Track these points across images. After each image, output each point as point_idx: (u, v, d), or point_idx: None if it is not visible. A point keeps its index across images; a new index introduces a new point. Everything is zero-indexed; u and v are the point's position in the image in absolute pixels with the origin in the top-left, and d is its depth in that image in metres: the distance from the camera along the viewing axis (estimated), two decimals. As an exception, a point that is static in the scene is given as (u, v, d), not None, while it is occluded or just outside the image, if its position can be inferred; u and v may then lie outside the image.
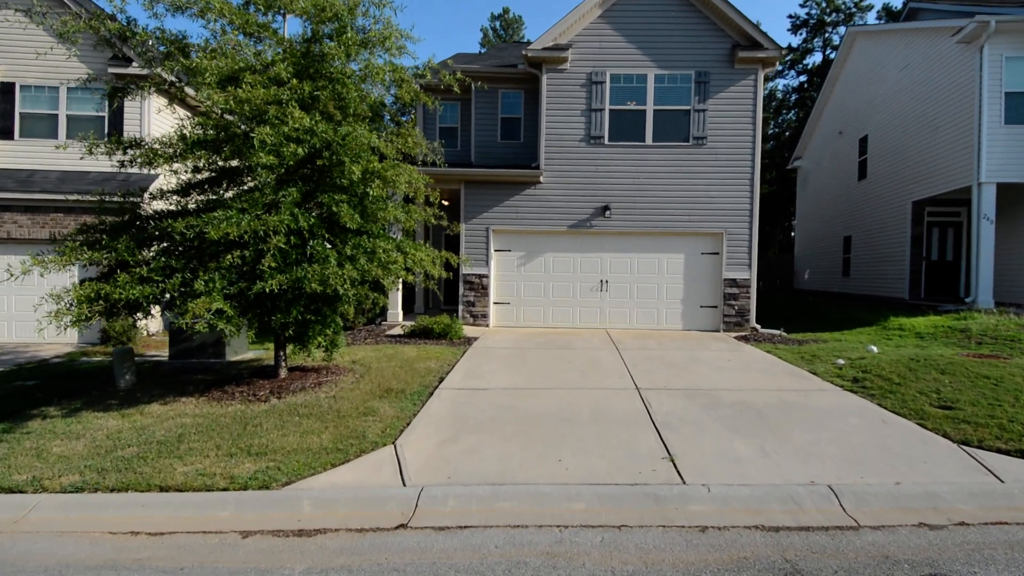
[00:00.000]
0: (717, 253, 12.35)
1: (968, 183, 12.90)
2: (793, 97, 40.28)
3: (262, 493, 4.39)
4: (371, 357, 8.83)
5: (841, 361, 8.53)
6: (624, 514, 4.02)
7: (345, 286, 5.97)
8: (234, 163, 7.02)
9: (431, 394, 6.87)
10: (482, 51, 31.40)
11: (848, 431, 5.56)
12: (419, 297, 15.02)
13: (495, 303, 12.64)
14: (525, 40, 38.62)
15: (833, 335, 11.64)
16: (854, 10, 37.98)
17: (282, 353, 7.45)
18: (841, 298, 19.48)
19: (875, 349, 9.37)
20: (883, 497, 4.23)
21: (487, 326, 12.45)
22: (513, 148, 13.75)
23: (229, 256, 5.83)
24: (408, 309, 15.07)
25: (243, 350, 9.98)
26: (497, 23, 46.06)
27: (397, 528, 3.92)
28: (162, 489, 4.49)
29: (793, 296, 23.09)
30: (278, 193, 6.44)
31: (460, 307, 12.50)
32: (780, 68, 38.35)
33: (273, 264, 5.91)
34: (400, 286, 12.48)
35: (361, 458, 4.94)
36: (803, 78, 40.08)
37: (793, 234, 35.33)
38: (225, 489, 4.46)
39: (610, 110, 12.26)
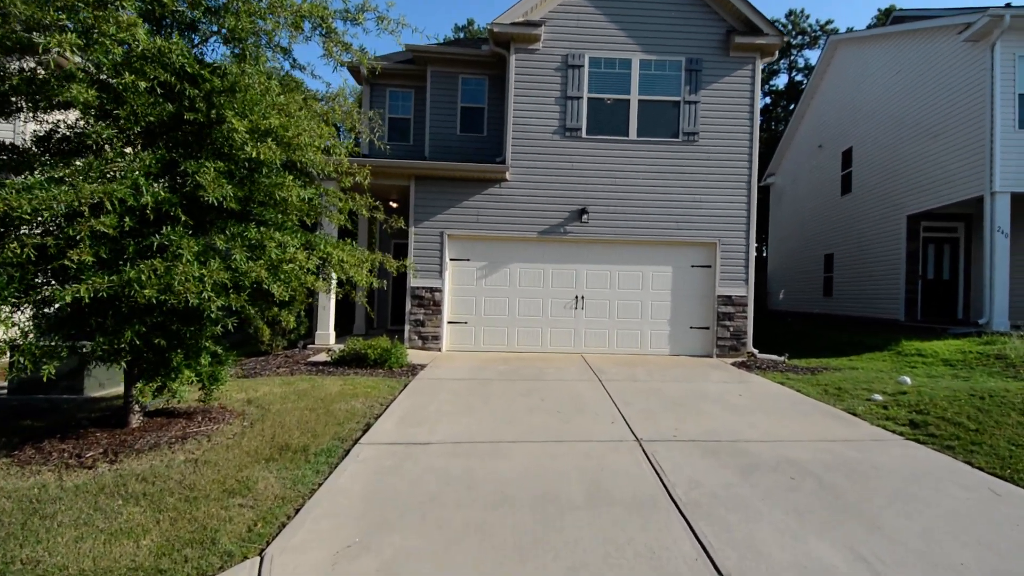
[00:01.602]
0: (709, 266, 10.66)
1: (975, 193, 11.71)
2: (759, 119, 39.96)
3: None
4: (275, 395, 6.63)
5: (878, 396, 6.83)
6: None
7: (204, 295, 3.84)
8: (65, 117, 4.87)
9: (346, 453, 4.76)
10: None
11: (959, 512, 3.73)
12: (359, 315, 12.81)
13: (449, 322, 10.58)
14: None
15: (842, 362, 10.04)
16: (819, 32, 38.13)
17: (134, 391, 5.21)
18: (824, 319, 18.21)
19: (908, 380, 7.72)
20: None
21: (439, 350, 10.37)
22: (475, 142, 11.85)
23: (14, 245, 3.66)
24: (346, 330, 12.85)
25: (114, 382, 7.61)
26: (462, 35, 44.65)
27: None
28: None
29: (771, 318, 21.78)
30: (125, 158, 4.34)
31: (407, 327, 10.39)
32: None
33: (90, 258, 3.77)
34: (332, 302, 10.31)
35: (194, 590, 2.82)
36: (768, 100, 39.93)
37: (765, 254, 34.60)
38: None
39: (589, 99, 10.53)
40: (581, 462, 4.56)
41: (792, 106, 36.94)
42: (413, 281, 10.32)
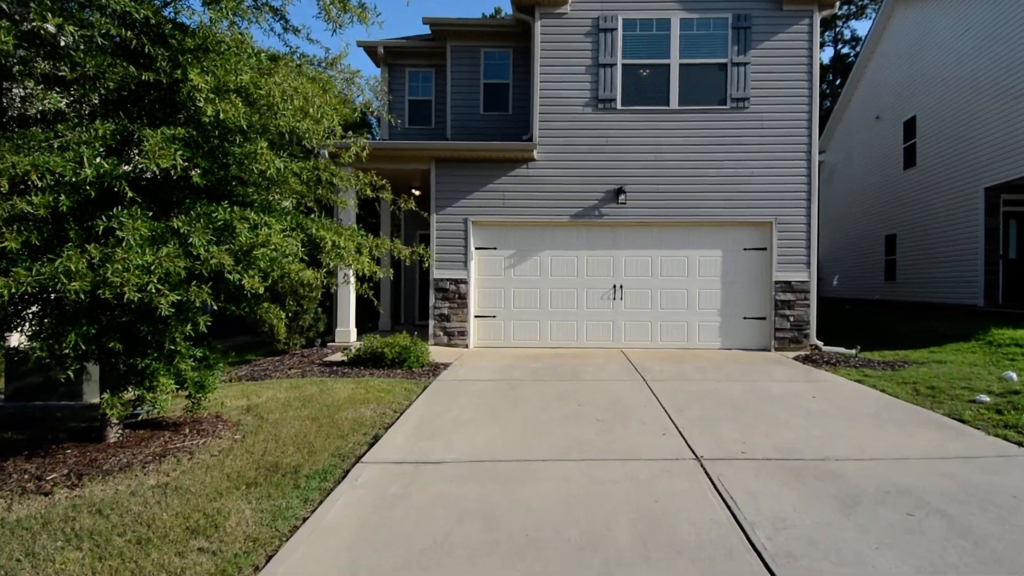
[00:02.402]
0: (765, 248, 9.51)
1: (1071, 159, 10.21)
2: (803, 94, 37.74)
3: None
4: (278, 401, 5.91)
5: (985, 397, 5.68)
6: None
7: (152, 288, 3.08)
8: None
9: (344, 475, 3.97)
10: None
11: None
12: (384, 310, 12.12)
13: (476, 316, 9.75)
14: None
15: (922, 354, 8.78)
16: (866, 1, 35.67)
17: (102, 403, 4.54)
18: (887, 306, 16.70)
19: (1015, 377, 6.52)
20: None
21: (466, 347, 9.55)
22: (500, 121, 10.96)
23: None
24: (371, 326, 12.18)
25: (115, 387, 7.05)
26: (488, 21, 43.67)
27: None
28: None
29: (825, 305, 20.17)
30: (75, 130, 3.63)
31: (431, 322, 9.60)
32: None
33: (15, 245, 3.06)
34: (352, 296, 9.58)
35: None
36: (813, 74, 37.66)
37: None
38: None
39: (623, 65, 9.48)
40: (629, 490, 3.64)
41: (839, 81, 34.70)
42: (436, 272, 9.53)
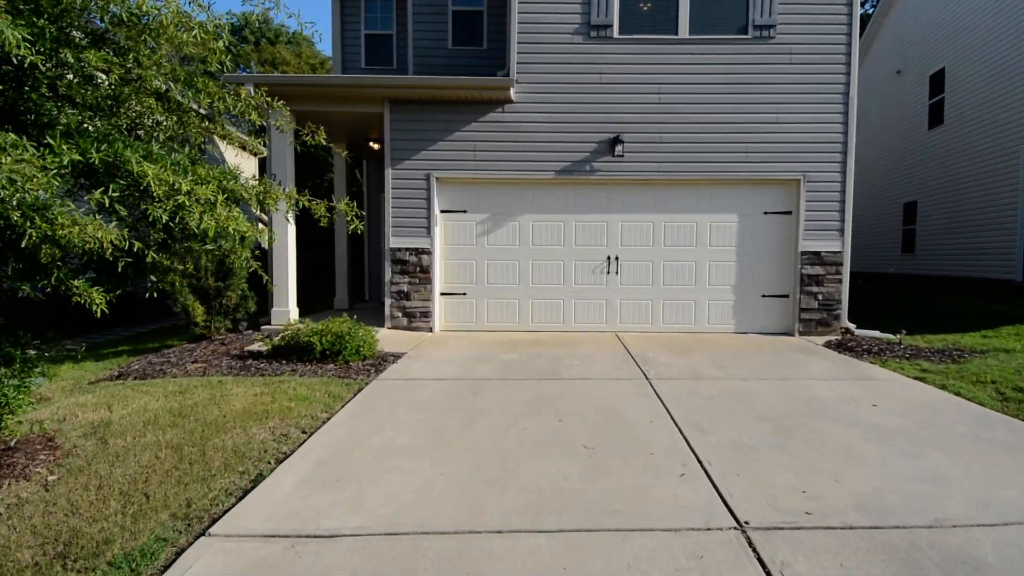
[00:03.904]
0: (790, 212, 7.91)
1: None
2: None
3: None
4: (147, 413, 4.28)
5: (1107, 408, 4.18)
6: None
7: None
8: None
9: (173, 561, 2.39)
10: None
11: None
12: (341, 285, 10.45)
13: (442, 294, 8.13)
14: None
15: (974, 339, 7.31)
16: (878, -46, 33.39)
17: None
18: (907, 281, 15.26)
19: (1125, 375, 5.05)
20: None
21: (430, 330, 7.95)
22: (472, 57, 9.15)
23: None
24: (325, 304, 10.53)
25: None
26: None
27: None
28: None
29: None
30: None
31: (387, 300, 7.98)
32: None
33: None
34: (291, 268, 7.88)
35: None
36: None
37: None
38: None
39: (621, -16, 7.70)
40: (637, 608, 2.09)
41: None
42: (393, 240, 7.86)
